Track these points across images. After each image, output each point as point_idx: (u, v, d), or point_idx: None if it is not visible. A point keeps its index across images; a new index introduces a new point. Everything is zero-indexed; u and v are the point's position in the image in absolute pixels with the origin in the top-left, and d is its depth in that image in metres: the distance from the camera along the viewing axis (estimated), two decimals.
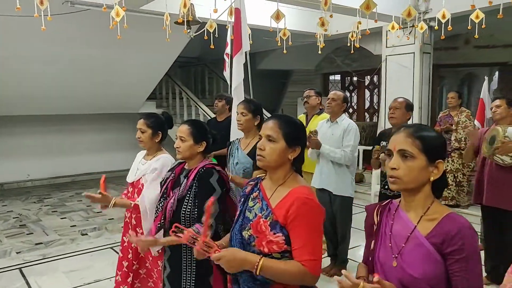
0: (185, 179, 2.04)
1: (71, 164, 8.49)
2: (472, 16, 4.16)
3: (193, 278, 2.01)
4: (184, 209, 1.99)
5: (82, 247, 4.60)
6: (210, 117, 7.29)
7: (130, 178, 2.62)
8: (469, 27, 4.20)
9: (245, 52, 3.42)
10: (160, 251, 2.50)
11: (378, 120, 7.90)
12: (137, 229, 2.57)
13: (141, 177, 2.54)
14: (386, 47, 6.01)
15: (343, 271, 1.22)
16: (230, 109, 4.68)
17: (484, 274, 3.35)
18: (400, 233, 1.27)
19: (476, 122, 4.14)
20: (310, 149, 3.51)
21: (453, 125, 5.11)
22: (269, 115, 5.99)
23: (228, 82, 4.98)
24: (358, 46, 4.64)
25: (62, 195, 7.25)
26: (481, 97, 4.24)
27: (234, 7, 3.33)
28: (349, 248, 3.75)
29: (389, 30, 4.76)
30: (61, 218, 5.79)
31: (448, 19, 3.96)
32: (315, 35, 4.58)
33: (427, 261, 1.19)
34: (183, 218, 1.99)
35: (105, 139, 8.89)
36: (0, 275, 3.89)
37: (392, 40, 5.32)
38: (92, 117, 8.37)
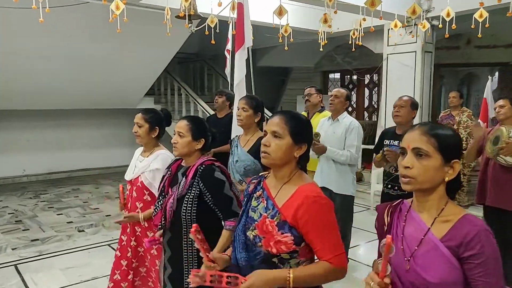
0: (184, 177, 1.98)
1: (67, 159, 8.41)
2: (476, 15, 4.12)
3: (195, 259, 1.96)
4: (185, 209, 1.94)
5: (79, 244, 4.55)
6: (209, 113, 7.23)
7: (128, 176, 2.56)
8: (472, 26, 4.17)
9: (247, 48, 3.36)
10: (156, 252, 2.45)
11: (377, 119, 7.86)
12: (135, 227, 2.51)
13: (139, 175, 2.47)
14: (388, 45, 5.96)
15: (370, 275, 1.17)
16: (230, 106, 4.63)
17: None
18: (412, 235, 1.23)
19: (479, 122, 4.10)
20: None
21: (455, 125, 5.07)
22: (269, 113, 5.94)
23: (229, 79, 4.93)
24: (360, 44, 4.59)
25: (58, 191, 7.18)
26: (484, 96, 4.20)
27: (237, 1, 3.27)
28: (349, 247, 3.71)
29: (391, 28, 4.71)
30: (58, 214, 5.72)
31: (452, 17, 3.92)
32: (318, 32, 4.51)
33: (442, 265, 1.14)
34: (184, 217, 1.94)
35: (102, 134, 8.82)
36: None
37: (393, 38, 5.27)
38: (89, 112, 8.29)
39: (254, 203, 1.57)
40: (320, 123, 3.68)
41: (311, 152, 3.57)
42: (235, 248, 1.56)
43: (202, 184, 1.93)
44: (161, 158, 2.42)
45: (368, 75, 8.41)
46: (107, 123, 8.82)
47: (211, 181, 1.93)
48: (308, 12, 5.85)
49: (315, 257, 1.51)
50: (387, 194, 3.05)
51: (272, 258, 1.44)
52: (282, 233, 1.42)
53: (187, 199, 1.94)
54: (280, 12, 3.79)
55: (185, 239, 1.96)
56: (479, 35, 4.19)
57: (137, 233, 2.51)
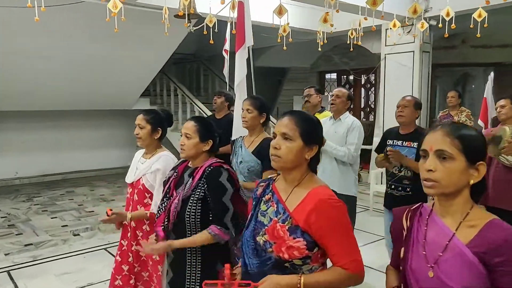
0: (190, 179, 1.92)
1: (61, 161, 8.29)
2: (475, 15, 4.11)
3: (198, 284, 1.90)
4: (189, 210, 1.87)
5: (75, 248, 4.45)
6: (206, 114, 7.16)
7: (129, 179, 2.48)
8: (471, 26, 4.15)
9: (248, 47, 3.30)
10: (158, 257, 2.38)
11: (374, 119, 7.84)
12: (136, 231, 2.44)
13: (141, 177, 2.40)
14: (386, 45, 5.94)
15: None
16: (229, 106, 4.58)
17: None
18: (435, 240, 1.17)
19: (479, 122, 4.08)
20: None
21: None
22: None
23: (227, 79, 4.87)
24: (359, 43, 4.56)
25: (52, 193, 7.06)
26: (484, 96, 4.18)
27: (238, 0, 3.21)
28: None
29: (390, 28, 4.69)
30: (52, 218, 5.61)
31: (452, 17, 3.90)
32: (318, 32, 4.47)
33: (469, 272, 1.09)
34: (188, 219, 1.87)
35: (97, 136, 8.71)
36: None
37: (392, 38, 5.25)
38: (83, 113, 8.18)
39: (263, 207, 1.51)
40: (322, 122, 3.61)
41: None
42: (244, 253, 1.50)
43: (206, 185, 1.87)
44: (163, 159, 2.36)
45: (364, 75, 8.40)
46: (102, 124, 8.71)
47: (214, 184, 1.87)
48: (306, 12, 5.81)
49: (325, 262, 1.46)
50: (390, 195, 3.01)
51: (284, 264, 1.39)
52: (294, 238, 1.37)
53: (192, 201, 1.88)
54: (280, 11, 3.75)
55: (189, 257, 1.90)
56: (478, 35, 4.18)
57: (138, 238, 2.43)
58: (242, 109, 2.67)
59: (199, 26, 4.03)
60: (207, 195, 1.87)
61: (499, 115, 3.19)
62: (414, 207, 1.29)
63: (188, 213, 1.86)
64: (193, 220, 1.86)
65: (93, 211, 5.90)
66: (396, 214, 1.33)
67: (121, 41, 5.59)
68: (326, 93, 9.19)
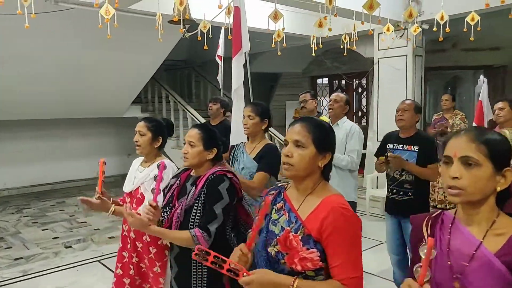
0: (193, 188, 1.86)
1: (51, 171, 8.11)
2: (468, 19, 4.13)
3: (205, 278, 1.82)
4: (193, 220, 1.80)
5: (67, 261, 4.32)
6: (199, 121, 7.09)
7: (127, 188, 2.41)
8: (464, 30, 4.17)
9: (245, 53, 3.25)
10: (160, 270, 2.30)
11: (367, 123, 7.85)
12: (136, 243, 2.36)
13: (139, 186, 2.33)
14: (378, 49, 5.95)
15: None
16: (225, 113, 4.52)
17: None
18: (461, 250, 1.12)
19: (474, 125, 4.07)
20: None
21: (448, 128, 5.06)
22: None
23: (221, 85, 4.82)
24: (354, 48, 4.55)
25: (42, 204, 6.89)
26: (479, 99, 4.19)
27: (234, 5, 3.16)
28: None
29: (384, 32, 4.69)
30: (42, 230, 5.46)
31: (446, 21, 3.91)
32: (313, 36, 4.45)
33: (497, 282, 1.04)
34: (191, 229, 1.80)
35: (87, 144, 8.54)
36: None
37: (385, 42, 5.26)
38: (73, 122, 8.03)
39: (274, 215, 1.46)
40: None
41: None
42: (257, 265, 1.43)
43: (205, 190, 1.81)
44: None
45: (357, 80, 8.42)
46: (92, 133, 8.56)
47: (212, 190, 1.81)
48: (299, 17, 5.80)
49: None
50: (392, 200, 2.97)
51: (296, 276, 1.33)
52: (308, 249, 1.31)
53: (195, 210, 1.81)
54: (276, 16, 3.71)
55: None
56: (472, 38, 4.20)
57: (138, 249, 2.35)
58: (243, 115, 2.62)
59: (194, 32, 3.97)
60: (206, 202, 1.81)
61: (497, 118, 3.19)
62: (434, 214, 1.24)
63: (192, 223, 1.80)
64: None
65: (85, 222, 5.77)
66: (415, 222, 1.28)
67: (113, 48, 5.50)
68: (317, 98, 9.20)
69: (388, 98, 5.89)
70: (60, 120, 7.74)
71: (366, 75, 7.24)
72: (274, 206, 1.48)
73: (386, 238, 3.17)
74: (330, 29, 3.59)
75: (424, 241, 1.20)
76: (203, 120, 6.99)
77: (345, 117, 3.50)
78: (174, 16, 3.28)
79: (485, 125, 4.16)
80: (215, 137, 1.94)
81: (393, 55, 5.73)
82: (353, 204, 3.46)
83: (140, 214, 1.75)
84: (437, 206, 5.15)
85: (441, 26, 3.94)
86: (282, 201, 1.46)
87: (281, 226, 1.40)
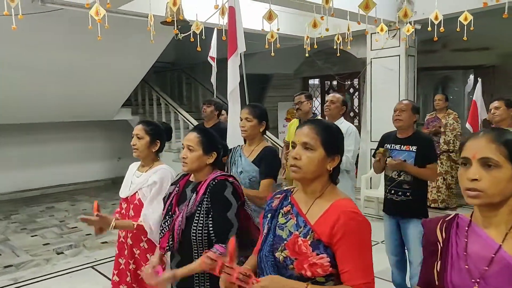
0: (194, 194, 1.80)
1: (39, 176, 7.94)
2: (461, 18, 4.15)
3: (208, 285, 1.78)
4: (195, 228, 1.75)
5: (59, 268, 4.21)
6: (191, 123, 7.02)
7: (123, 193, 2.34)
8: (457, 30, 4.19)
9: (240, 54, 3.21)
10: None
11: (359, 123, 7.86)
12: (133, 249, 2.29)
13: (136, 192, 2.27)
14: (371, 50, 5.96)
15: None
16: (219, 115, 4.47)
17: None
18: (479, 253, 1.09)
19: (467, 125, 4.10)
20: None
21: (441, 128, 5.09)
22: None
23: (214, 87, 4.76)
24: (349, 48, 4.54)
25: (31, 210, 6.74)
26: (474, 98, 4.20)
27: (228, 5, 3.12)
28: None
29: (378, 32, 4.69)
30: (32, 236, 5.33)
31: (441, 20, 3.92)
32: (307, 37, 4.43)
33: None
34: (194, 237, 1.75)
35: (76, 148, 8.40)
36: None
37: (379, 42, 5.26)
38: (61, 125, 7.87)
39: (281, 220, 1.42)
40: None
41: None
42: (263, 271, 1.39)
43: (209, 199, 1.76)
44: (161, 172, 2.23)
45: (349, 80, 8.43)
46: (81, 136, 8.42)
47: (218, 198, 1.77)
48: (291, 18, 5.77)
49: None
50: (390, 200, 2.95)
51: (306, 282, 1.29)
52: (318, 254, 1.27)
53: (197, 217, 1.76)
54: (270, 16, 3.68)
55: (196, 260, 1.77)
56: (465, 38, 4.22)
57: (135, 256, 2.29)
58: (241, 118, 2.57)
59: (187, 33, 3.91)
60: (209, 209, 1.76)
61: (493, 117, 3.19)
62: (448, 217, 1.21)
63: (194, 231, 1.74)
64: (200, 237, 1.74)
65: (76, 227, 5.65)
66: (428, 226, 1.25)
67: (103, 50, 5.41)
68: (312, 99, 9.19)
69: (381, 98, 5.91)
70: (48, 124, 7.58)
71: (358, 76, 7.24)
72: (280, 210, 1.44)
73: (385, 239, 3.15)
74: (327, 29, 3.57)
75: (438, 245, 1.17)
76: (195, 123, 6.92)
77: (342, 117, 3.48)
78: (168, 17, 3.22)
79: (479, 125, 4.18)
80: (215, 140, 1.89)
81: (386, 55, 5.74)
82: None
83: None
84: (431, 206, 5.17)
85: (435, 26, 3.95)
86: (289, 205, 1.42)
87: (289, 231, 1.36)
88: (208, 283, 1.78)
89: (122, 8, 4.51)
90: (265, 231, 1.45)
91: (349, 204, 1.33)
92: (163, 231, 1.84)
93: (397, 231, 2.96)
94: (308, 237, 1.30)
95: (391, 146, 2.99)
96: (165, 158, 6.24)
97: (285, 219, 1.40)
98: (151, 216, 2.12)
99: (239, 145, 2.69)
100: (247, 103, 3.97)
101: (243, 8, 5.03)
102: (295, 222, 1.36)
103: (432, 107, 7.32)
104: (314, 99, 9.76)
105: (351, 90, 9.07)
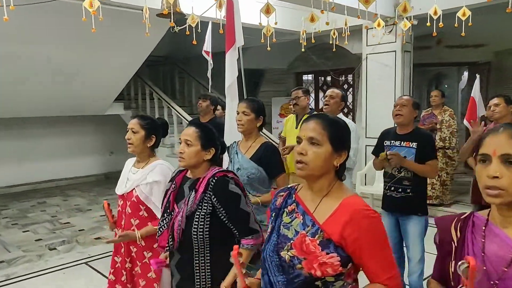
0: (193, 192, 1.76)
1: (29, 170, 7.81)
2: (459, 14, 4.15)
3: (209, 283, 1.74)
4: (196, 227, 1.71)
5: (52, 264, 4.15)
6: (185, 118, 6.95)
7: (119, 190, 2.28)
8: (456, 25, 4.18)
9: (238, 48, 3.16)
10: (155, 276, 2.20)
11: (354, 119, 7.85)
12: (130, 247, 2.25)
13: (133, 189, 2.21)
14: (367, 45, 5.93)
15: None
16: (214, 110, 4.42)
17: None
18: (497, 254, 1.06)
19: (465, 121, 4.09)
20: None
21: (437, 124, 5.09)
22: None
23: (210, 82, 4.70)
24: (346, 43, 4.51)
25: (22, 205, 6.63)
26: (472, 95, 4.20)
27: None
28: None
29: (375, 28, 4.67)
30: (24, 232, 5.24)
31: (440, 15, 3.91)
32: (304, 31, 4.39)
33: None
34: (195, 237, 1.71)
35: (67, 143, 8.28)
36: None
37: (376, 38, 5.22)
38: (52, 120, 7.75)
39: (286, 219, 1.38)
40: None
41: None
42: (267, 270, 1.35)
43: (215, 198, 1.72)
44: (160, 169, 2.17)
45: (343, 76, 8.41)
46: (72, 131, 8.30)
47: (225, 195, 1.72)
48: (287, 12, 5.71)
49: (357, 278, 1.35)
50: (390, 197, 2.92)
51: (315, 282, 1.26)
52: (327, 254, 1.24)
53: (198, 216, 1.71)
54: (268, 10, 3.63)
55: (197, 261, 1.73)
56: (463, 34, 4.21)
57: (132, 254, 2.24)
58: (237, 111, 2.53)
59: (183, 26, 3.84)
60: (216, 208, 1.72)
61: (492, 114, 3.17)
62: (463, 216, 1.18)
63: (195, 230, 1.70)
64: (201, 237, 1.70)
65: (68, 223, 5.57)
66: (442, 224, 1.22)
67: (95, 43, 5.31)
68: (310, 95, 9.16)
69: (376, 94, 5.89)
70: (39, 118, 7.46)
71: (354, 71, 7.22)
72: (285, 209, 1.40)
73: None
74: (327, 23, 3.53)
75: (453, 244, 1.15)
76: (189, 118, 6.85)
77: (341, 113, 3.45)
78: (164, 9, 3.15)
79: (478, 121, 4.16)
80: (214, 136, 1.85)
81: (382, 51, 5.71)
82: None
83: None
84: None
85: (434, 21, 3.94)
86: (294, 203, 1.39)
87: (295, 230, 1.33)
88: (209, 283, 1.74)
89: (115, 0, 4.42)
90: (269, 230, 1.42)
91: (359, 201, 1.30)
92: (161, 229, 1.80)
93: (396, 228, 2.94)
94: (316, 236, 1.27)
95: (390, 143, 2.95)
96: (159, 153, 6.17)
97: (290, 218, 1.37)
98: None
99: (235, 142, 2.64)
100: (245, 98, 3.93)
101: (239, 1, 4.99)
102: (302, 221, 1.33)
103: (426, 104, 7.34)
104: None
105: (345, 86, 9.05)
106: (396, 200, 2.87)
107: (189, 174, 1.87)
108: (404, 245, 2.96)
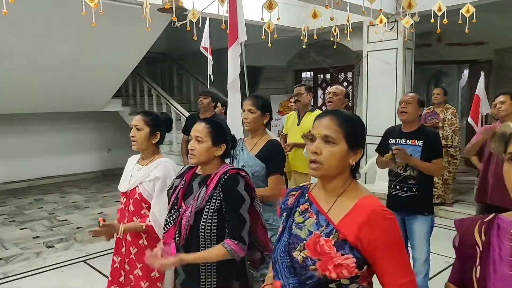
0: (203, 188, 1.72)
1: (26, 167, 7.74)
2: (463, 11, 4.11)
3: (214, 283, 1.70)
4: (204, 224, 1.67)
5: (50, 262, 4.09)
6: (184, 115, 6.89)
7: (122, 187, 2.23)
8: (459, 22, 4.15)
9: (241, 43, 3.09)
10: (158, 275, 2.15)
11: None
12: (130, 248, 2.19)
13: (137, 186, 2.16)
14: (368, 42, 5.89)
15: None
16: (215, 107, 4.37)
17: None
18: None
19: (469, 119, 4.06)
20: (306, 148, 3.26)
21: (439, 122, 5.06)
22: None
23: (211, 78, 4.65)
24: (348, 39, 4.47)
25: (19, 202, 6.56)
26: (476, 93, 4.16)
27: None
28: None
29: (377, 24, 4.62)
30: (21, 229, 5.18)
31: (444, 12, 3.87)
32: (307, 27, 4.34)
33: None
34: (202, 234, 1.67)
35: (65, 139, 8.21)
36: None
37: (377, 35, 5.18)
38: (49, 116, 7.67)
39: (299, 218, 1.33)
40: None
41: (304, 152, 3.38)
42: (278, 272, 1.31)
43: (222, 194, 1.68)
44: (163, 166, 2.12)
45: (343, 73, 8.37)
46: (70, 128, 8.23)
47: (231, 193, 1.68)
48: (287, 8, 5.65)
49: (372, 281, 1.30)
50: (395, 196, 2.88)
51: (329, 284, 1.21)
52: (343, 255, 1.20)
53: (206, 213, 1.67)
54: (270, 5, 3.57)
55: None
56: (466, 31, 4.17)
57: (131, 256, 2.17)
58: (243, 109, 2.48)
59: (184, 21, 3.78)
60: (223, 205, 1.67)
61: (498, 112, 3.14)
62: (487, 218, 1.13)
63: (203, 226, 1.66)
64: (208, 234, 1.66)
65: (66, 220, 5.52)
66: (463, 226, 1.17)
67: (93, 39, 5.23)
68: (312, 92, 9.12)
69: (377, 92, 5.86)
70: (36, 114, 7.38)
71: (355, 69, 7.18)
72: (297, 208, 1.36)
73: None
74: (332, 19, 3.48)
75: (477, 248, 1.10)
76: (187, 115, 6.79)
77: (345, 110, 3.41)
78: (166, 3, 3.09)
79: (480, 119, 4.15)
80: (224, 132, 1.81)
81: (383, 48, 5.67)
82: None
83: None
84: None
85: (435, 19, 3.90)
86: (307, 203, 1.34)
87: (308, 230, 1.28)
88: (215, 283, 1.70)
89: None
90: (280, 230, 1.37)
91: (376, 202, 1.25)
92: (167, 225, 1.75)
93: (402, 228, 2.90)
94: (331, 236, 1.23)
95: (395, 141, 2.91)
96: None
97: (303, 217, 1.32)
98: (161, 213, 2.01)
99: (241, 138, 2.60)
100: (247, 94, 3.88)
101: None
102: (315, 221, 1.28)
103: (426, 102, 7.32)
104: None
105: (345, 84, 9.02)
106: (401, 199, 2.83)
107: (198, 171, 1.83)
108: (409, 245, 2.92)
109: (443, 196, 5.24)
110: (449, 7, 4.41)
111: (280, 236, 1.36)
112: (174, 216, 1.74)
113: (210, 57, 4.61)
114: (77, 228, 5.15)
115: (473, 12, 4.05)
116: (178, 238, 1.70)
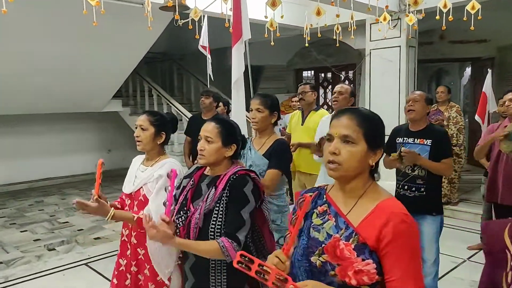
0: (213, 189, 1.66)
1: (27, 169, 7.68)
2: (468, 7, 4.05)
3: (225, 286, 1.65)
4: (213, 226, 1.61)
5: (51, 265, 4.03)
6: (185, 115, 6.84)
7: (127, 189, 2.18)
8: (464, 19, 4.09)
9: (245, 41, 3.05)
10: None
11: None
12: (137, 249, 2.14)
13: (141, 187, 2.11)
14: (370, 40, 5.83)
15: None
16: (217, 107, 4.32)
17: None
18: None
19: (476, 117, 4.01)
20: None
21: (444, 121, 5.01)
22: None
23: (211, 77, 4.59)
24: (352, 37, 4.42)
25: (19, 204, 6.50)
26: (483, 90, 4.11)
27: None
28: None
29: (380, 22, 4.57)
30: (22, 232, 5.12)
31: (450, 9, 3.81)
32: (310, 25, 4.28)
33: None
34: (212, 235, 1.61)
35: (65, 140, 8.15)
36: None
37: (381, 33, 5.12)
38: (49, 117, 7.60)
39: (317, 221, 1.28)
40: (322, 122, 3.43)
41: (315, 156, 3.33)
42: (294, 277, 1.25)
43: (228, 194, 1.63)
44: (169, 166, 2.06)
45: (344, 72, 8.32)
46: (70, 128, 8.17)
47: (237, 193, 1.63)
48: (289, 7, 5.60)
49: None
50: (403, 196, 2.82)
51: None
52: (363, 260, 1.14)
53: (216, 214, 1.62)
54: (274, 3, 3.51)
55: (213, 265, 1.64)
56: (472, 28, 4.12)
57: (139, 257, 2.13)
58: (251, 108, 2.43)
59: (186, 20, 3.73)
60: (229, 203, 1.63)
61: (507, 109, 3.08)
62: None
63: (213, 228, 1.61)
64: (218, 236, 1.60)
65: (67, 222, 5.46)
66: (490, 231, 1.12)
67: (93, 39, 5.18)
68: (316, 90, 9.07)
69: (380, 90, 5.80)
70: (35, 115, 7.32)
71: (357, 67, 7.13)
72: (315, 210, 1.30)
73: None
74: (338, 15, 3.43)
75: (508, 253, 1.05)
76: (189, 115, 6.74)
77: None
78: (168, 1, 3.03)
79: (486, 117, 4.10)
80: (235, 132, 1.75)
81: (386, 46, 5.62)
82: None
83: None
84: None
85: (444, 14, 3.84)
86: (325, 204, 1.28)
87: (327, 233, 1.23)
88: (225, 285, 1.65)
89: None
90: (294, 232, 1.32)
91: (398, 204, 1.19)
92: (177, 226, 1.69)
93: None
94: (351, 240, 1.17)
95: (403, 140, 2.86)
96: None
97: (322, 220, 1.27)
98: (157, 209, 1.94)
99: (249, 137, 2.55)
100: (251, 94, 3.83)
101: None
102: (334, 223, 1.23)
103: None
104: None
105: (346, 82, 8.97)
106: (409, 199, 2.77)
107: (207, 172, 1.77)
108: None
109: (449, 195, 5.19)
110: (453, 4, 4.36)
111: (298, 239, 1.30)
112: (182, 217, 1.68)
113: (209, 56, 4.55)
114: (78, 230, 5.09)
115: (479, 8, 4.00)
116: None
